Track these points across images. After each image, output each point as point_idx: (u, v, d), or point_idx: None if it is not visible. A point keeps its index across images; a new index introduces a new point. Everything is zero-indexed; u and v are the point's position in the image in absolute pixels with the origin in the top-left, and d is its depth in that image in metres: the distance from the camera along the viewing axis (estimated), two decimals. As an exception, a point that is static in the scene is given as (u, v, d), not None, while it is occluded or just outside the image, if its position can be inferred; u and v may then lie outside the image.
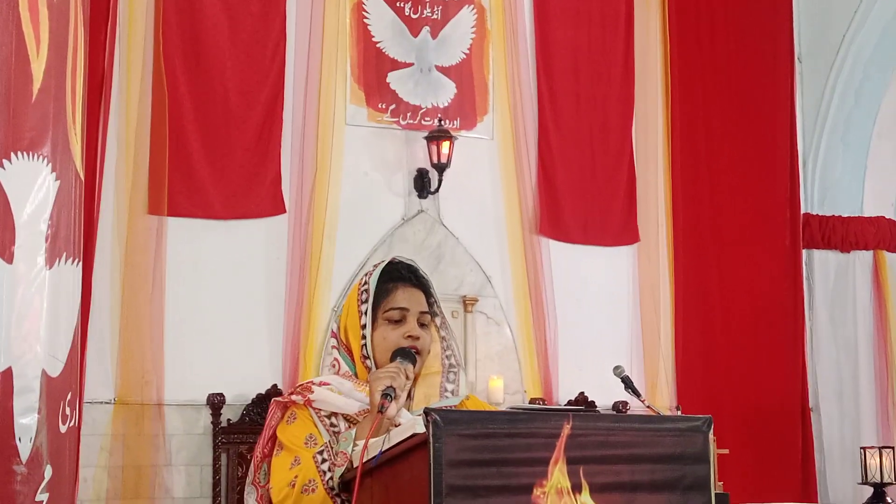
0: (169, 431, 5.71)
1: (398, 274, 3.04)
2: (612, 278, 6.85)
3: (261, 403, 5.78)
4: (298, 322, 5.99)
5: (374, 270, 3.05)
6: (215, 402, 5.76)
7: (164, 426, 5.69)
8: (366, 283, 3.02)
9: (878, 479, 5.40)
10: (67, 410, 2.96)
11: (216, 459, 5.74)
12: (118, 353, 5.63)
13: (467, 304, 6.44)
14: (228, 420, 5.79)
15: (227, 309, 5.90)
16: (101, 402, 5.57)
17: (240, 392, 5.86)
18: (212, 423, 5.77)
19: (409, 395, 3.00)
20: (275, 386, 5.83)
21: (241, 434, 5.77)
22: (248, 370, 5.88)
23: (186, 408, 5.77)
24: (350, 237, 6.18)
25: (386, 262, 3.08)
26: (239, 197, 5.98)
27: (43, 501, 2.79)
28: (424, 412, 2.38)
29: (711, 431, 2.67)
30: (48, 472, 2.82)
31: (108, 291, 5.62)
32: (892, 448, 5.59)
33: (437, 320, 3.08)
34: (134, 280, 5.69)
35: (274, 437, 2.96)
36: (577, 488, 2.48)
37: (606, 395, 6.19)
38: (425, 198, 6.41)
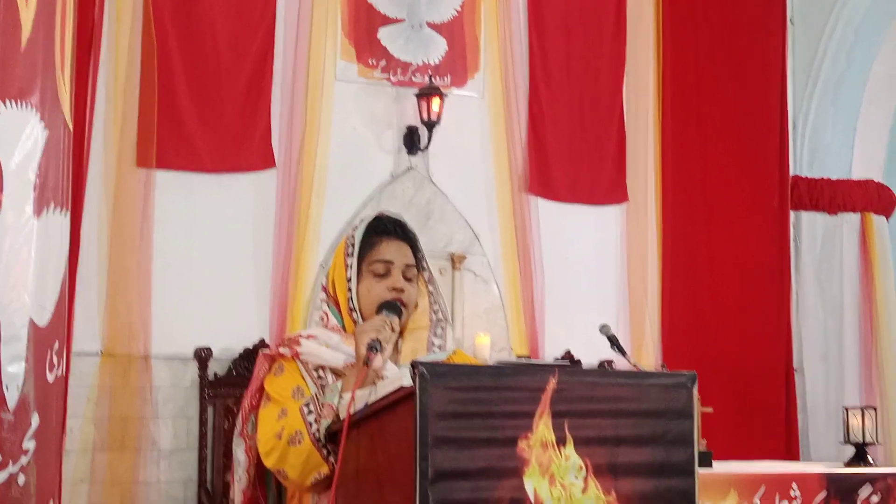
0: (156, 384, 5.72)
1: (384, 227, 3.05)
2: (600, 237, 6.86)
3: (248, 357, 5.80)
4: (286, 277, 5.99)
5: (361, 224, 3.06)
6: (202, 356, 5.78)
7: (151, 379, 5.70)
8: (352, 236, 3.03)
9: (859, 439, 5.44)
10: (55, 360, 2.96)
11: (203, 412, 5.77)
12: (105, 306, 5.63)
13: (455, 261, 6.45)
14: (215, 373, 5.81)
15: (215, 262, 5.90)
16: (89, 354, 5.58)
17: (227, 346, 5.87)
18: (199, 376, 5.79)
19: (396, 349, 3.01)
20: (262, 340, 5.84)
21: (227, 387, 5.79)
22: (236, 324, 5.89)
23: (174, 361, 5.78)
24: (339, 193, 6.18)
25: (373, 217, 3.09)
26: (228, 150, 5.97)
27: (30, 450, 2.81)
28: (412, 365, 2.40)
29: (696, 388, 2.69)
30: (35, 420, 2.83)
31: (95, 244, 5.62)
32: (875, 408, 5.64)
33: (425, 275, 3.09)
34: (122, 232, 5.68)
35: (261, 390, 2.98)
36: (561, 441, 2.50)
37: (592, 353, 6.22)
38: (415, 155, 6.40)
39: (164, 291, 5.75)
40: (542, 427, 2.48)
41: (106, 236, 5.65)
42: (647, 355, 6.71)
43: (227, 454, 5.57)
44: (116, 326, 5.63)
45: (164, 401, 5.75)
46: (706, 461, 5.04)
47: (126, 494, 5.57)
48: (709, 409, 5.33)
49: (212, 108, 5.91)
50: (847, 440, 5.52)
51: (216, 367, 5.82)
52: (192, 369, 5.80)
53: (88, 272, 5.57)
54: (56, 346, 2.98)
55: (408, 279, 3.00)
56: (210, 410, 5.78)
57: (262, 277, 5.99)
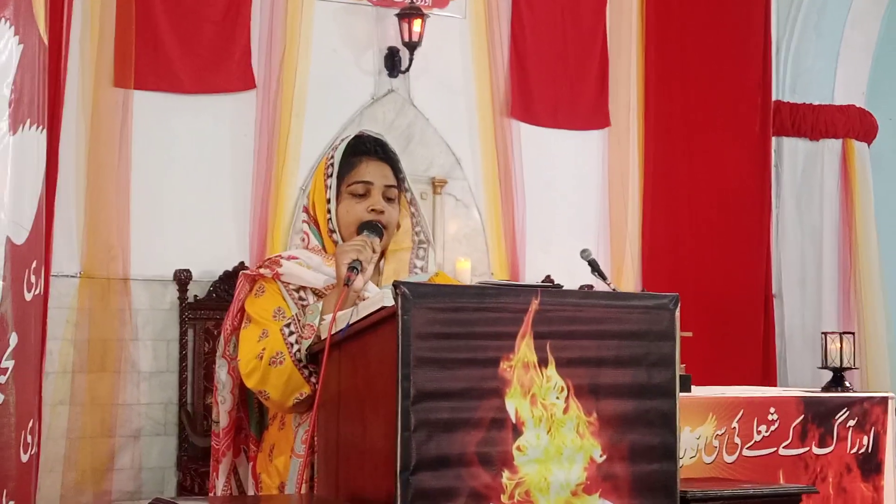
0: (135, 306, 5.70)
1: (364, 147, 3.02)
2: (581, 162, 6.83)
3: (228, 280, 5.78)
4: (266, 199, 5.95)
5: (340, 144, 3.02)
6: (182, 278, 5.75)
7: (131, 301, 5.67)
8: (332, 156, 3.00)
9: (837, 364, 5.46)
10: (33, 279, 2.94)
11: (182, 335, 5.76)
12: (84, 227, 5.59)
13: (436, 185, 6.42)
14: (195, 296, 5.79)
15: (194, 184, 5.86)
16: (67, 276, 5.54)
17: (207, 268, 5.84)
18: (178, 298, 5.77)
19: (378, 271, 3.00)
20: (242, 263, 5.82)
21: (207, 310, 5.78)
22: (216, 246, 5.86)
23: (153, 283, 5.75)
24: (319, 115, 6.12)
25: (353, 136, 3.05)
26: (207, 71, 5.89)
27: (9, 368, 2.79)
28: (393, 285, 2.39)
29: (678, 310, 2.69)
30: (13, 339, 2.81)
31: (73, 165, 5.55)
32: (853, 333, 5.66)
33: (407, 196, 3.07)
34: (100, 153, 5.62)
35: (242, 311, 2.97)
36: (543, 362, 2.50)
37: (573, 278, 6.21)
38: (395, 77, 6.34)
39: (143, 213, 5.70)
40: (524, 348, 2.48)
41: (84, 158, 5.59)
42: (627, 280, 6.73)
43: (208, 377, 5.60)
44: (95, 248, 5.59)
45: (144, 323, 5.73)
46: (685, 385, 5.06)
47: (106, 416, 5.57)
48: (689, 334, 5.33)
49: (190, 28, 5.83)
50: (824, 365, 5.55)
51: (196, 290, 5.80)
52: (172, 291, 5.77)
53: (66, 194, 5.52)
54: (34, 265, 2.96)
55: (388, 199, 2.98)
56: (190, 333, 5.77)
57: (242, 200, 5.95)
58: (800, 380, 7.00)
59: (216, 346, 3.03)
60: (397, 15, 6.20)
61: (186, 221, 5.81)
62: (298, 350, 2.77)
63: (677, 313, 2.68)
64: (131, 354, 5.67)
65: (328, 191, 2.96)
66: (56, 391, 5.46)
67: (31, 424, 3.03)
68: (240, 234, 5.94)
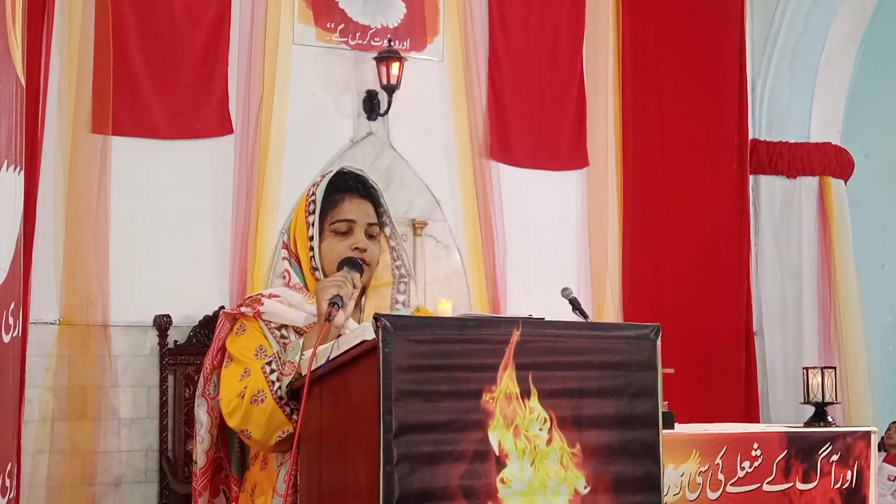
0: (115, 352, 5.66)
1: (346, 185, 3.02)
2: (560, 202, 6.85)
3: (208, 325, 5.75)
4: (245, 244, 5.94)
5: (321, 180, 3.03)
6: (162, 324, 5.73)
7: (111, 347, 5.64)
8: (313, 193, 3.00)
9: (819, 399, 5.47)
10: (10, 320, 2.91)
11: (163, 381, 5.72)
12: (63, 274, 5.56)
13: (416, 227, 6.43)
14: (175, 341, 5.76)
15: (173, 230, 5.84)
16: (46, 323, 5.51)
17: (187, 313, 5.81)
18: (158, 344, 5.73)
19: (359, 307, 2.99)
20: (222, 307, 5.78)
21: (187, 355, 5.74)
22: (195, 291, 5.83)
23: (133, 328, 5.72)
24: (298, 159, 6.12)
25: (334, 173, 3.05)
26: (185, 117, 5.89)
27: (-13, 411, 2.76)
28: (374, 318, 2.38)
29: (659, 339, 2.69)
30: (-8, 381, 2.78)
31: (51, 211, 5.54)
32: (834, 368, 5.67)
33: (387, 230, 3.07)
34: (78, 200, 5.60)
35: (223, 349, 2.95)
36: (525, 394, 2.49)
37: (554, 317, 6.11)
38: (374, 120, 6.35)
39: (122, 259, 5.69)
40: (507, 379, 2.47)
41: (62, 204, 5.58)
42: (608, 319, 6.72)
43: (189, 423, 5.56)
44: (74, 295, 5.57)
45: (124, 369, 5.69)
46: (668, 422, 5.05)
47: (86, 464, 5.52)
48: (670, 371, 5.34)
49: (167, 73, 5.84)
50: (807, 400, 5.56)
51: (176, 335, 5.76)
52: (152, 337, 5.74)
53: (45, 240, 5.50)
54: (12, 306, 2.94)
55: (370, 237, 2.98)
56: (170, 378, 5.73)
57: (222, 244, 5.94)
58: (782, 416, 7.00)
59: (196, 395, 3.00)
60: (375, 58, 6.22)
61: (166, 266, 5.79)
62: (279, 388, 2.75)
63: (658, 343, 2.68)
64: (111, 401, 5.63)
65: (310, 228, 2.96)
66: (36, 439, 5.41)
67: (9, 468, 3.00)
68: (220, 279, 5.92)
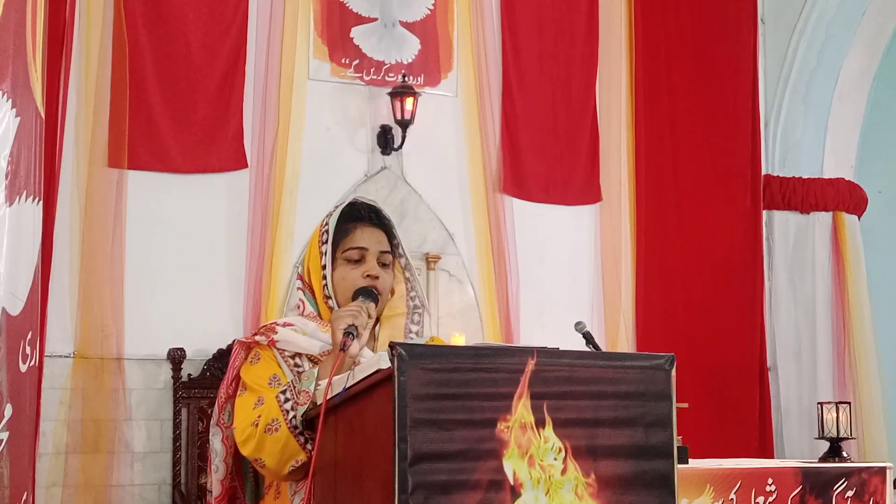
0: (129, 386, 5.67)
1: (358, 214, 3.05)
2: (574, 237, 6.86)
3: (222, 359, 5.75)
4: (259, 278, 5.96)
5: (335, 211, 3.06)
6: (176, 357, 5.73)
7: (124, 380, 5.65)
8: (326, 223, 3.03)
9: (834, 434, 5.45)
10: (28, 350, 2.93)
11: (176, 414, 5.72)
12: (78, 307, 5.58)
13: (430, 261, 6.44)
14: (189, 375, 5.77)
15: (188, 263, 5.86)
16: (61, 356, 5.52)
17: (201, 347, 5.82)
18: (172, 377, 5.74)
19: (373, 337, 3.00)
20: (236, 341, 5.79)
21: (201, 389, 5.75)
22: (210, 325, 5.85)
23: (147, 362, 5.73)
24: (312, 193, 6.15)
25: (347, 203, 3.08)
26: (200, 151, 5.93)
27: (3, 440, 2.77)
28: (390, 346, 2.39)
29: (674, 370, 2.69)
30: (8, 410, 2.79)
31: (67, 244, 5.57)
32: (849, 403, 5.65)
33: (401, 261, 3.09)
34: (94, 233, 5.63)
35: (238, 378, 2.96)
36: (540, 423, 2.50)
37: (568, 351, 6.20)
38: (388, 154, 6.38)
39: (137, 292, 5.70)
40: (521, 408, 2.48)
41: (78, 237, 5.61)
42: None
43: (202, 456, 5.56)
44: (89, 328, 5.58)
45: (138, 403, 5.70)
46: (683, 457, 5.04)
47: (100, 497, 5.51)
48: (684, 405, 5.33)
49: (184, 107, 5.87)
50: (821, 435, 5.54)
51: (190, 369, 5.77)
52: (166, 371, 5.75)
53: (61, 273, 5.52)
54: (29, 336, 2.95)
55: (383, 265, 3.00)
56: (184, 412, 5.73)
57: (236, 278, 5.96)
58: (797, 451, 6.96)
59: (210, 424, 3.01)
60: (390, 94, 6.26)
61: (180, 300, 5.81)
62: (294, 417, 2.75)
63: (673, 373, 2.68)
64: (125, 434, 5.63)
65: (323, 257, 2.98)
66: (50, 473, 5.41)
67: (24, 497, 3.00)
68: (234, 312, 5.93)
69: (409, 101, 6.22)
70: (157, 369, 5.75)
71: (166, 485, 5.68)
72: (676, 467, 2.65)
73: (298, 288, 3.06)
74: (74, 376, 5.54)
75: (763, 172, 7.41)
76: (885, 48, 7.57)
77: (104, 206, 5.66)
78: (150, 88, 5.77)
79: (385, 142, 6.35)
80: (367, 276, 2.95)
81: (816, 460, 5.49)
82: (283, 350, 2.92)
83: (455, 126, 6.59)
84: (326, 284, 2.97)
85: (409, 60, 6.44)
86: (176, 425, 5.71)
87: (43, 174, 3.17)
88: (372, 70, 6.35)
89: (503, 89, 6.67)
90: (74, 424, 5.51)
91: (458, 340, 6.29)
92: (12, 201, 2.83)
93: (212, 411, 3.05)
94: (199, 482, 5.57)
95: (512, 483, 2.44)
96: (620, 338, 6.78)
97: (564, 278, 6.79)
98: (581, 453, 2.53)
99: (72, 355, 5.56)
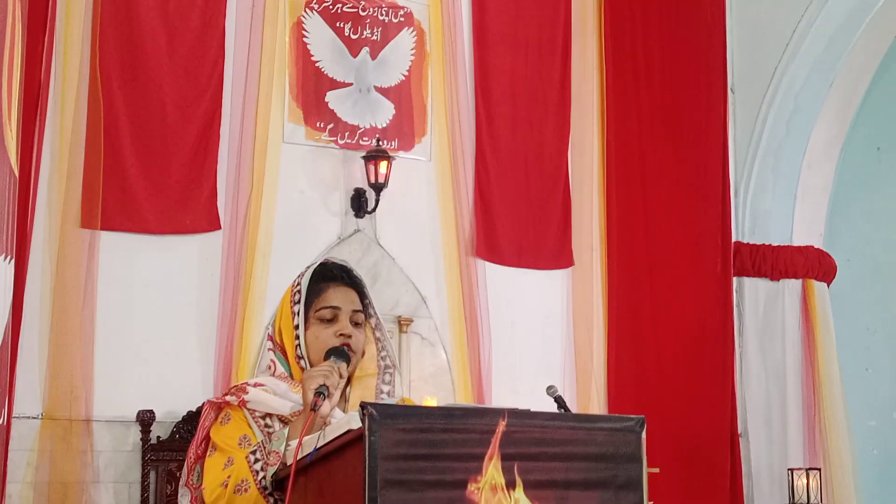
0: (97, 448, 5.61)
1: (331, 274, 3.07)
2: (546, 301, 6.88)
3: (191, 421, 5.71)
4: (231, 340, 5.93)
5: (306, 271, 3.07)
6: (145, 419, 5.68)
7: (93, 442, 5.58)
8: (298, 283, 3.05)
9: (804, 500, 5.47)
10: (-4, 407, 2.91)
11: (145, 477, 5.66)
12: (47, 368, 5.52)
13: (402, 324, 6.44)
14: (158, 437, 5.72)
15: (159, 325, 5.83)
16: (29, 418, 5.46)
17: (170, 409, 5.77)
18: (141, 439, 5.68)
19: (344, 397, 3.00)
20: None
21: (170, 451, 5.69)
22: (180, 387, 5.80)
23: (115, 424, 5.67)
24: (285, 255, 6.14)
25: (318, 264, 3.09)
26: (174, 212, 5.92)
27: (-31, 499, 2.74)
28: (361, 406, 2.39)
29: (644, 432, 2.70)
30: (-25, 468, 2.76)
31: (38, 304, 5.52)
32: (819, 469, 5.66)
33: (372, 321, 3.10)
34: (64, 294, 5.59)
35: (207, 438, 2.95)
36: (511, 484, 2.49)
37: (539, 415, 6.20)
38: (362, 217, 6.40)
39: (107, 353, 5.66)
40: (492, 470, 2.48)
41: (48, 298, 5.57)
42: (593, 419, 6.71)
43: (171, 516, 5.49)
44: (58, 389, 5.52)
45: (106, 465, 5.64)
46: (653, 522, 5.03)
47: (66, 561, 5.44)
48: (655, 470, 5.34)
49: (158, 169, 5.88)
50: (792, 501, 5.54)
51: (159, 431, 5.72)
52: (135, 433, 5.69)
53: (30, 334, 5.47)
54: (-2, 394, 2.93)
55: (356, 325, 3.01)
56: (152, 475, 5.67)
57: (207, 340, 5.93)
58: (768, 519, 6.96)
59: (179, 485, 2.99)
60: (364, 157, 6.30)
61: (151, 361, 5.77)
62: (264, 477, 2.75)
63: (643, 435, 2.69)
64: (92, 497, 5.56)
65: (295, 317, 2.99)
66: (15, 536, 5.34)
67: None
68: (205, 375, 5.90)
69: (383, 165, 6.25)
70: (126, 431, 5.69)
71: (134, 548, 5.61)
72: (647, 530, 2.65)
73: (269, 349, 3.06)
74: (42, 438, 5.47)
75: (733, 239, 7.46)
76: (853, 118, 7.68)
77: (76, 266, 5.63)
78: (124, 149, 5.77)
79: (359, 205, 6.37)
80: (340, 335, 2.96)
81: (787, 527, 5.49)
82: (254, 410, 2.92)
83: (428, 190, 6.63)
84: (299, 344, 2.98)
85: (384, 125, 6.49)
86: (144, 488, 5.64)
87: (15, 232, 3.17)
88: (346, 134, 6.39)
89: (476, 154, 6.72)
90: (41, 487, 5.43)
91: (430, 403, 6.26)
92: (-16, 259, 2.83)
93: (180, 474, 3.03)
94: (166, 546, 5.51)
95: (482, 544, 2.43)
96: (592, 402, 6.77)
97: (536, 342, 6.80)
98: (551, 515, 2.53)
99: (40, 416, 5.50)
